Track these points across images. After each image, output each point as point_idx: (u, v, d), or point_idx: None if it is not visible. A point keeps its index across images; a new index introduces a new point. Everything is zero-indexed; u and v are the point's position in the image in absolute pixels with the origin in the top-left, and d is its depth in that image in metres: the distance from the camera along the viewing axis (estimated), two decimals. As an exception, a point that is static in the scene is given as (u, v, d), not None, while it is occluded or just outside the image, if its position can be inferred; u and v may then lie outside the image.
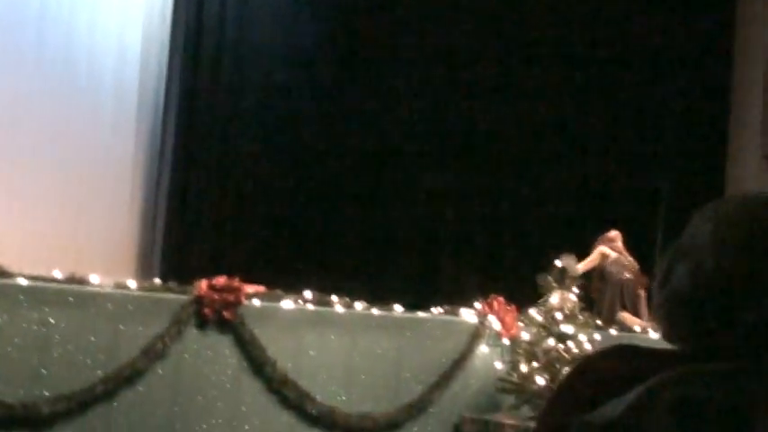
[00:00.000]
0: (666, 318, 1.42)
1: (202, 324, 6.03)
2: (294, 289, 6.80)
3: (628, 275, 10.41)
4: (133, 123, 10.79)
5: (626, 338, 8.48)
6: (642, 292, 10.47)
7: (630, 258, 10.56)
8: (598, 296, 10.38)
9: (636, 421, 1.22)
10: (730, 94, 13.03)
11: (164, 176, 10.91)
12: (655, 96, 12.77)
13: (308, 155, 11.47)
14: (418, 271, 11.83)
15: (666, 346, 1.42)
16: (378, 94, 11.75)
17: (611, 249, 10.51)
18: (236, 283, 6.19)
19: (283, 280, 7.54)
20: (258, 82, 11.27)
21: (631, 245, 10.80)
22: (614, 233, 10.68)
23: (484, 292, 7.98)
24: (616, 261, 10.40)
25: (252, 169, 11.20)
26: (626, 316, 10.09)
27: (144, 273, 9.98)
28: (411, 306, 7.54)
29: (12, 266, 5.42)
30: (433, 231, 12.18)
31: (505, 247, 12.27)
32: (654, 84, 12.70)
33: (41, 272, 5.59)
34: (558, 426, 1.33)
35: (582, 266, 9.46)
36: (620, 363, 1.37)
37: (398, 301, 7.39)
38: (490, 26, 12.27)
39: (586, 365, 1.43)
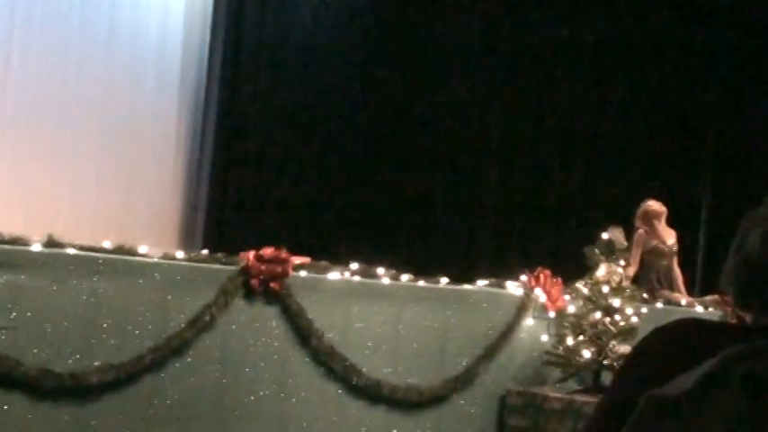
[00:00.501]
0: (738, 284, 1.41)
1: (249, 295, 6.01)
2: (338, 261, 6.77)
3: (665, 263, 10.03)
4: (176, 97, 10.80)
5: (673, 312, 8.41)
6: (679, 272, 10.19)
7: (670, 239, 10.05)
8: (637, 279, 10.07)
9: (706, 396, 1.19)
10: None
11: (206, 150, 10.93)
12: (702, 84, 12.61)
13: (354, 125, 11.44)
14: (464, 243, 11.79)
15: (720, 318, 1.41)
16: (421, 70, 11.69)
17: (652, 227, 9.95)
18: (283, 254, 6.15)
19: (327, 252, 7.52)
20: (302, 52, 11.23)
21: (674, 217, 10.54)
22: (659, 208, 10.05)
23: (530, 265, 7.92)
24: (653, 249, 9.88)
25: (295, 141, 11.17)
26: (667, 294, 9.88)
27: (187, 245, 10.00)
28: (456, 278, 7.49)
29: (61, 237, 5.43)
30: (479, 203, 12.11)
31: (552, 220, 12.18)
32: (701, 73, 12.55)
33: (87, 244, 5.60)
34: (626, 399, 1.31)
35: (633, 264, 9.26)
36: (688, 336, 1.36)
37: (444, 274, 7.34)
38: (543, 15, 12.17)
39: (653, 339, 1.41)
